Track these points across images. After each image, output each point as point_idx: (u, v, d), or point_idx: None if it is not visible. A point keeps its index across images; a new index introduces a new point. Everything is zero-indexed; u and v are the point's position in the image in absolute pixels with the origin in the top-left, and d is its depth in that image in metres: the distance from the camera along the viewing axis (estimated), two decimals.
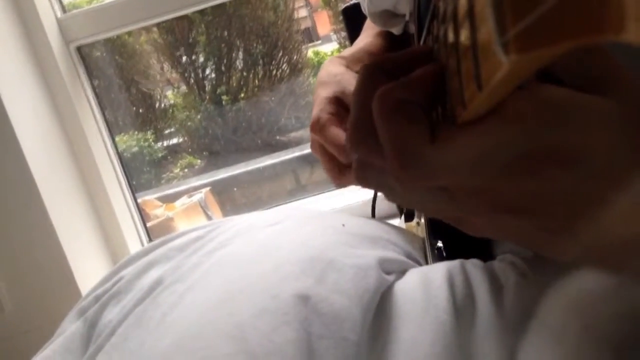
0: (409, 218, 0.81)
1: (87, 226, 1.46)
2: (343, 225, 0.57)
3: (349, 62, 0.71)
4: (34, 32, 1.39)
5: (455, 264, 0.52)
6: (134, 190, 1.62)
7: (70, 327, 0.60)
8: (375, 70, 0.29)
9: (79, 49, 1.49)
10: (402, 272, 0.53)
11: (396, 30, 0.78)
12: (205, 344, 0.41)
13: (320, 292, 0.44)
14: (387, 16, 0.76)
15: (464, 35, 0.20)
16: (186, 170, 2.40)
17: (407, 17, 0.75)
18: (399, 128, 0.26)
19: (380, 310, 0.46)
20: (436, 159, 0.25)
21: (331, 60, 0.72)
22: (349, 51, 0.75)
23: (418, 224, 0.74)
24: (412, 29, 0.73)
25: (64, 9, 1.48)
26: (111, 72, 2.17)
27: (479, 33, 0.18)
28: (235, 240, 0.58)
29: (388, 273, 0.50)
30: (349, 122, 0.30)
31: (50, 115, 1.42)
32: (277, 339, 0.40)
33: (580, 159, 0.23)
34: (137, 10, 1.43)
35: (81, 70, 1.48)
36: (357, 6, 0.94)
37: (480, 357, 0.42)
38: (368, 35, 0.81)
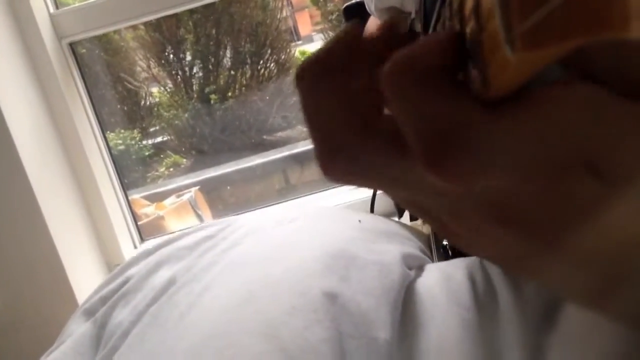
0: (414, 216, 0.81)
1: (80, 223, 1.44)
2: (359, 221, 0.57)
3: None
4: (26, 28, 1.36)
5: (473, 259, 0.52)
6: (126, 188, 1.61)
7: (78, 329, 0.59)
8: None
9: (71, 45, 1.47)
10: (420, 268, 0.53)
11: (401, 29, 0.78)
12: (233, 341, 0.41)
13: (347, 291, 0.44)
14: (393, 13, 0.76)
15: (470, 33, 0.20)
16: (171, 169, 2.39)
17: (412, 15, 0.75)
18: (438, 104, 0.19)
19: (405, 307, 0.46)
20: (498, 141, 0.19)
21: None
22: None
23: (423, 222, 0.74)
24: (418, 27, 0.73)
25: (57, 5, 1.46)
26: (98, 69, 2.15)
27: (485, 30, 0.18)
28: (248, 239, 0.58)
29: (409, 268, 0.50)
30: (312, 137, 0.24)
31: (43, 111, 1.40)
32: (311, 337, 0.39)
33: (607, 171, 0.20)
34: (131, 8, 1.41)
35: (73, 67, 1.46)
36: (358, 5, 0.93)
37: (506, 353, 0.42)
38: None
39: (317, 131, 0.23)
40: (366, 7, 0.82)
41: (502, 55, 0.16)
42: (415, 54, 0.20)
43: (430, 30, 0.31)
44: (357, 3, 0.99)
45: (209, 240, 0.61)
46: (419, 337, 0.43)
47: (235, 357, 0.39)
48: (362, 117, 0.23)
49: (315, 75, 0.23)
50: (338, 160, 0.23)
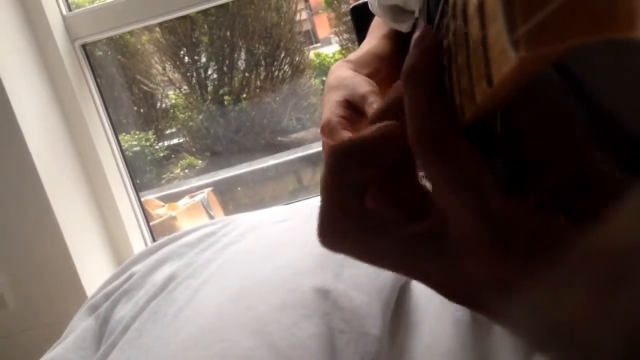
0: None
1: (91, 223, 1.46)
2: None
3: (356, 66, 0.71)
4: (39, 29, 1.39)
5: None
6: (138, 189, 1.62)
7: (81, 325, 0.60)
8: None
9: (84, 47, 1.49)
10: None
11: (404, 28, 0.78)
12: (223, 336, 0.41)
13: (339, 287, 0.44)
14: (396, 12, 0.76)
15: (474, 32, 0.20)
16: (187, 170, 2.40)
17: (416, 14, 0.75)
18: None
19: (398, 306, 0.46)
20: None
21: (339, 65, 0.72)
22: (355, 55, 0.75)
23: None
24: (421, 26, 0.72)
25: (69, 7, 1.48)
26: (113, 71, 2.17)
27: (489, 30, 0.18)
28: (246, 237, 0.58)
29: None
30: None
31: (55, 112, 1.42)
32: (300, 332, 0.40)
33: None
34: (143, 9, 1.43)
35: (86, 68, 1.48)
36: (365, 5, 0.93)
37: (496, 353, 0.42)
38: (375, 38, 0.81)
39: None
40: (369, 6, 0.82)
41: (505, 55, 0.16)
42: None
43: (434, 29, 0.31)
44: (364, 3, 0.99)
45: (210, 238, 0.61)
46: (410, 335, 0.43)
47: (224, 351, 0.40)
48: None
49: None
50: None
